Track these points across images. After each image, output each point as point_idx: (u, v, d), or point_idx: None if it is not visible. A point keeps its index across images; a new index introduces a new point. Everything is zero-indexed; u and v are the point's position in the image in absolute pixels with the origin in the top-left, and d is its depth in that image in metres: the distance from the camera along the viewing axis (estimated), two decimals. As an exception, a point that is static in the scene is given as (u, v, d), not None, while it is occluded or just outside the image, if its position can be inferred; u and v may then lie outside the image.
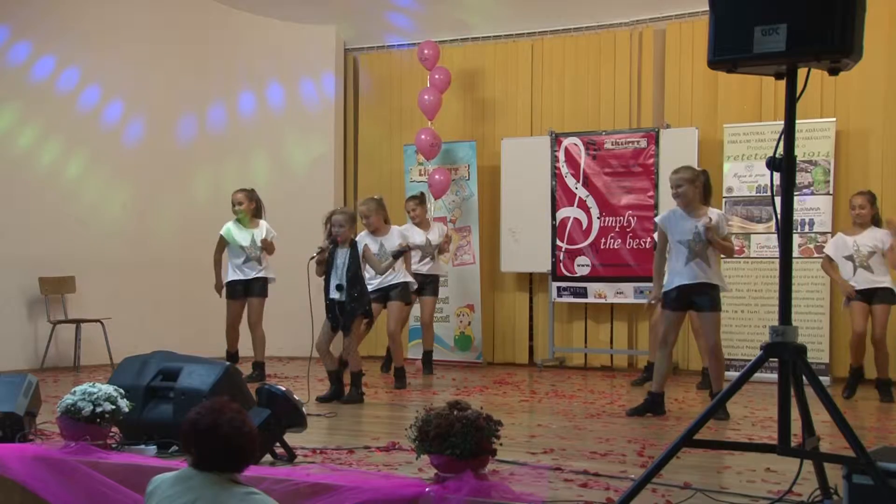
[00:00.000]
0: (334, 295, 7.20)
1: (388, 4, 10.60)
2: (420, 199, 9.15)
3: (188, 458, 3.14)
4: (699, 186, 6.51)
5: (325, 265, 7.24)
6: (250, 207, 8.57)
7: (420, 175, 10.27)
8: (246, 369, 7.76)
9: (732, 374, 8.32)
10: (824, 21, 3.44)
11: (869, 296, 7.52)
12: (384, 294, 8.26)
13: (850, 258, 7.57)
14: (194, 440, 3.07)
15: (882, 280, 7.50)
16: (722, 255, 6.94)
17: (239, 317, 8.69)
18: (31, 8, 9.55)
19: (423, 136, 9.88)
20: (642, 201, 9.24)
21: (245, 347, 8.79)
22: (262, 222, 8.64)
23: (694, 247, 6.41)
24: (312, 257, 7.24)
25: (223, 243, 8.58)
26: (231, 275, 8.62)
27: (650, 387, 6.77)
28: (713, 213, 6.54)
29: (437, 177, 9.87)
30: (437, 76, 10.01)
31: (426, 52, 10.02)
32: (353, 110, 11.29)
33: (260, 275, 8.59)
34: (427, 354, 9.18)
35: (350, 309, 7.17)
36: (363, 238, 7.93)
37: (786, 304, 3.65)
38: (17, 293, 9.42)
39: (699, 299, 6.48)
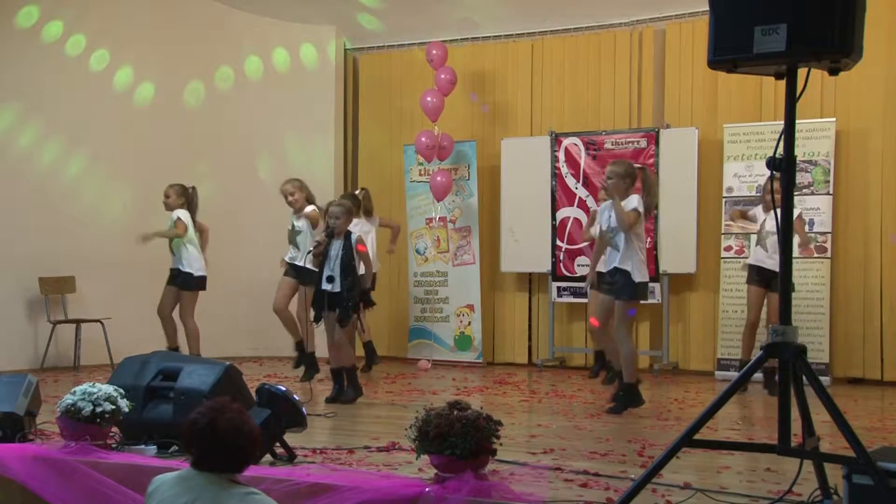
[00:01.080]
0: (326, 286, 7.18)
1: (388, 4, 10.59)
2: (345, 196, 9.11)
3: (189, 458, 3.15)
4: (628, 182, 6.77)
5: (321, 258, 7.25)
6: (177, 202, 8.79)
7: (420, 175, 10.25)
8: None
9: (733, 374, 8.33)
10: (824, 21, 3.44)
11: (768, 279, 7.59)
12: None
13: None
14: (193, 439, 3.09)
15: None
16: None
17: (167, 305, 8.84)
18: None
19: (422, 139, 9.85)
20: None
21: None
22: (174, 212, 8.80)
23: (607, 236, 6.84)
24: (309, 251, 7.24)
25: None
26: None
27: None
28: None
29: (438, 178, 9.85)
30: (442, 76, 9.94)
31: (434, 52, 9.98)
32: (353, 110, 11.28)
33: (176, 266, 8.81)
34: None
35: (346, 299, 7.15)
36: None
37: (786, 304, 3.66)
38: (17, 293, 9.43)
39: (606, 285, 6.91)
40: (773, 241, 7.46)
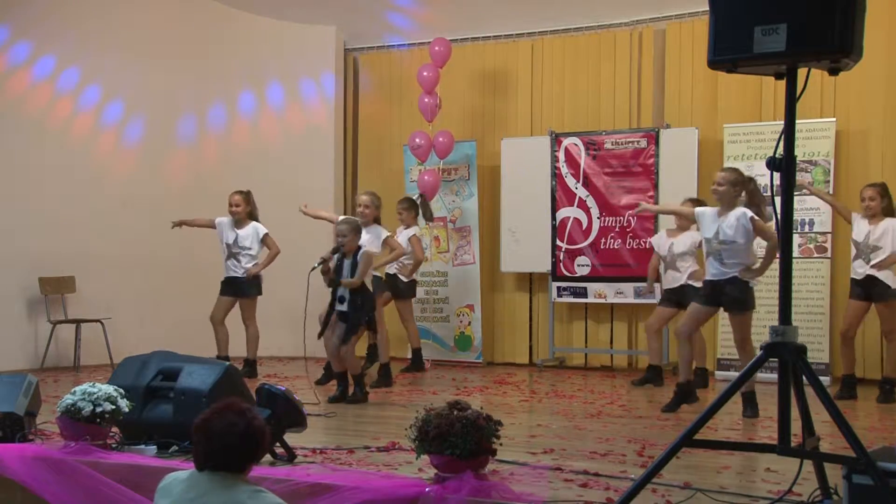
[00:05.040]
0: (340, 307, 7.18)
1: (388, 4, 10.59)
2: (407, 204, 9.16)
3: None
4: (738, 189, 6.62)
5: (331, 275, 7.22)
6: (246, 210, 8.79)
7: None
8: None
9: (733, 374, 8.32)
10: (824, 21, 3.44)
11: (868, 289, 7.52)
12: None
13: (857, 244, 7.55)
14: (193, 438, 3.11)
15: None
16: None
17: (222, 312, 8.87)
18: (31, 8, 9.54)
19: (416, 140, 9.82)
20: (642, 201, 9.21)
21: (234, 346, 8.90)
22: (254, 224, 8.85)
23: (710, 247, 6.62)
24: (314, 268, 7.21)
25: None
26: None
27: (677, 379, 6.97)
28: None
29: (426, 178, 9.83)
30: (424, 73, 9.88)
31: (437, 48, 9.95)
32: (353, 110, 11.28)
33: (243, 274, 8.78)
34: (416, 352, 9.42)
35: (353, 318, 7.17)
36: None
37: (786, 304, 3.66)
38: (17, 293, 9.42)
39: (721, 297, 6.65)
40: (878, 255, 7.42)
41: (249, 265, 8.74)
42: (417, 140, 9.80)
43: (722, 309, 6.87)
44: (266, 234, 8.80)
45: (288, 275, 8.87)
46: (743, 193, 6.64)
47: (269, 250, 8.82)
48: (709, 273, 6.68)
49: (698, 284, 7.86)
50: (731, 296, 6.55)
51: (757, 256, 6.71)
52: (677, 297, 7.99)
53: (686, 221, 7.96)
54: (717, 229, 6.56)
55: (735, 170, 6.82)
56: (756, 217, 6.53)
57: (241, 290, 8.77)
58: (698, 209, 6.92)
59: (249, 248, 8.76)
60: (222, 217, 8.86)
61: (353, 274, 7.14)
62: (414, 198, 9.44)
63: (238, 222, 8.78)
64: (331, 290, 7.31)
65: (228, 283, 8.80)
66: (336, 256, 7.24)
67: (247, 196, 8.83)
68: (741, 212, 6.55)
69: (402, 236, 8.89)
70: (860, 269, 7.50)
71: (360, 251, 7.24)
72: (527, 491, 4.11)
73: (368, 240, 7.84)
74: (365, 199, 8.34)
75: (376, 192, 8.72)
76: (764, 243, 6.80)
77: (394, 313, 9.30)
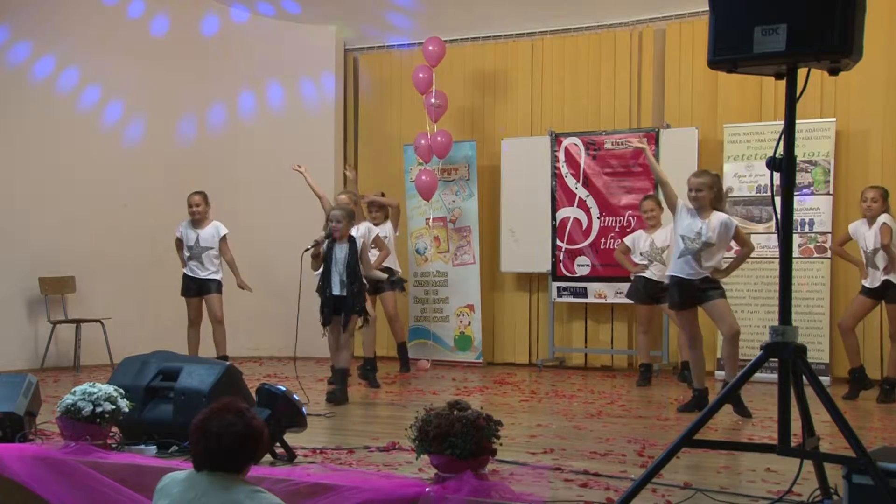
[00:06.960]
0: (336, 291, 7.20)
1: (388, 4, 10.59)
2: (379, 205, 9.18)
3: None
4: (715, 192, 6.67)
5: (320, 259, 7.25)
6: (206, 210, 8.81)
7: (420, 175, 10.25)
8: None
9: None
10: (824, 21, 3.44)
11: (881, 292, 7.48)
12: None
13: (865, 253, 7.52)
14: (191, 438, 3.11)
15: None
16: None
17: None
18: (31, 8, 9.56)
19: (421, 141, 9.84)
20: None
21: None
22: (215, 222, 8.86)
23: (690, 245, 6.62)
24: (307, 249, 7.24)
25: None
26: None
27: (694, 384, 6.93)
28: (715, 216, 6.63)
29: (423, 178, 9.83)
30: (420, 74, 9.91)
31: (431, 48, 9.95)
32: (353, 110, 11.28)
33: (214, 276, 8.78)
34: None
35: (350, 304, 7.18)
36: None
37: (786, 304, 3.65)
38: (17, 293, 9.43)
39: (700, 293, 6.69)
40: (880, 256, 7.38)
41: (214, 264, 8.75)
42: (422, 141, 9.82)
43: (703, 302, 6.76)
44: (225, 235, 8.80)
45: (287, 275, 8.84)
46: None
47: (225, 254, 8.83)
48: (682, 271, 6.64)
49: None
50: (711, 287, 6.64)
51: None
52: (655, 292, 8.09)
53: (658, 209, 8.24)
54: (700, 231, 6.58)
55: (708, 172, 6.87)
56: (739, 227, 6.77)
57: (206, 288, 8.76)
58: (681, 200, 6.83)
59: (212, 248, 8.77)
60: (181, 223, 8.86)
61: (349, 260, 7.17)
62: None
63: (198, 222, 8.78)
64: (320, 276, 7.35)
65: (192, 284, 8.76)
66: (327, 242, 7.25)
67: (205, 196, 8.84)
68: (726, 219, 6.65)
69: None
70: (876, 280, 7.46)
71: (356, 240, 7.29)
72: (527, 491, 4.12)
73: (362, 235, 7.86)
74: (343, 198, 8.37)
75: (381, 191, 8.76)
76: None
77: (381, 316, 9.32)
